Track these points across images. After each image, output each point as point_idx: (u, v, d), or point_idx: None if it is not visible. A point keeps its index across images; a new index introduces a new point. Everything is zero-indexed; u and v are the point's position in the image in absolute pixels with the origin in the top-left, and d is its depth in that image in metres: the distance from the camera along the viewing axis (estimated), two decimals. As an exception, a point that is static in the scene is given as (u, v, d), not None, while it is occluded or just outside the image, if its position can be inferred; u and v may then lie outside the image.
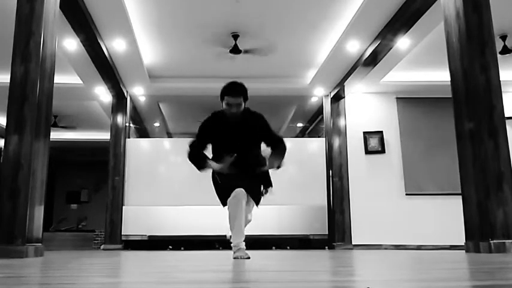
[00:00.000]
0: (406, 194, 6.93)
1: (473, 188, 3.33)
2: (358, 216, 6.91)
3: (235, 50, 5.70)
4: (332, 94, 7.28)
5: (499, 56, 4.68)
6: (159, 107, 8.41)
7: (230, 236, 3.30)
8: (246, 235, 3.29)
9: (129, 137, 7.36)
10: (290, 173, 7.16)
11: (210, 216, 6.40)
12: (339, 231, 6.92)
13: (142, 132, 8.83)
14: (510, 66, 6.18)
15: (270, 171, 3.45)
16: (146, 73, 6.59)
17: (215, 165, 3.28)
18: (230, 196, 3.22)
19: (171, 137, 9.51)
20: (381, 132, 7.16)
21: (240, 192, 3.21)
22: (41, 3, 3.42)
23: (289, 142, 7.90)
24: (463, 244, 3.44)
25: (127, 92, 7.29)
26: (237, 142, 3.33)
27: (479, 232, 3.25)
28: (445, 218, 6.35)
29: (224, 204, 3.34)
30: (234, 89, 3.20)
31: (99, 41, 5.26)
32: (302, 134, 9.36)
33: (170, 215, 6.88)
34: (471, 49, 3.46)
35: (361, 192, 7.01)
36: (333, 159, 7.18)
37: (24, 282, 1.41)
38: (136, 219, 6.85)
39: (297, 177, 7.17)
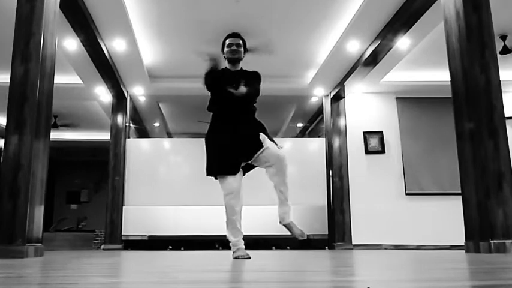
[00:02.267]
0: (406, 194, 6.94)
1: (473, 188, 3.33)
2: (358, 216, 6.91)
3: (235, 50, 5.70)
4: (332, 94, 7.28)
5: (499, 56, 4.68)
6: (159, 107, 8.41)
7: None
8: (246, 235, 3.29)
9: (129, 137, 7.36)
10: (290, 173, 7.14)
11: (210, 216, 6.40)
12: (339, 231, 6.92)
13: (142, 132, 8.83)
14: (510, 66, 6.18)
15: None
16: (146, 73, 6.59)
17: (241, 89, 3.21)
18: (225, 180, 3.16)
19: (171, 137, 9.52)
20: (381, 132, 7.16)
21: (236, 187, 3.15)
22: (41, 3, 3.42)
23: (289, 142, 7.95)
24: (463, 244, 3.44)
25: (127, 92, 7.29)
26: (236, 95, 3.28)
27: (479, 232, 3.25)
28: (445, 218, 6.35)
29: (209, 174, 3.28)
30: (234, 33, 3.55)
31: (99, 41, 5.27)
32: (302, 134, 9.36)
33: (170, 215, 6.88)
34: (471, 49, 3.46)
35: (361, 192, 7.01)
36: (333, 159, 7.18)
37: (24, 282, 1.41)
38: (136, 219, 6.85)
39: (297, 177, 7.17)
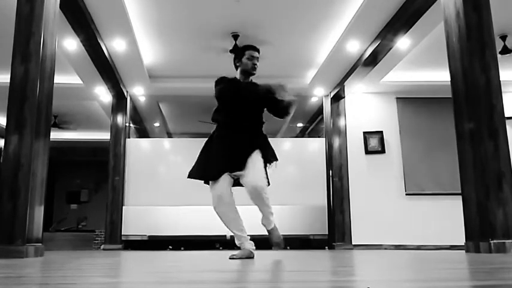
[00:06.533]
0: (406, 194, 6.94)
1: (473, 188, 3.33)
2: (358, 216, 6.91)
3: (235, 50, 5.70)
4: (332, 94, 7.28)
5: (499, 56, 4.68)
6: (159, 107, 8.41)
7: (231, 236, 3.30)
8: (247, 235, 3.29)
9: (129, 137, 7.36)
10: (290, 173, 7.17)
11: (210, 216, 6.37)
12: (339, 231, 6.92)
13: (142, 132, 8.82)
14: (510, 66, 6.18)
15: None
16: (146, 73, 6.59)
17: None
18: (211, 184, 3.18)
19: (171, 137, 9.51)
20: (381, 132, 7.16)
21: (218, 195, 3.14)
22: (41, 3, 3.42)
23: (289, 142, 7.94)
24: (463, 244, 3.44)
25: (127, 92, 7.29)
26: (242, 104, 3.20)
27: (479, 232, 3.25)
28: (445, 218, 6.35)
29: (189, 176, 3.26)
30: (255, 46, 3.37)
31: (99, 41, 5.26)
32: (302, 134, 9.36)
33: (170, 215, 6.88)
34: (471, 49, 3.46)
35: (361, 192, 7.01)
36: (333, 159, 7.18)
37: (24, 282, 1.41)
38: (136, 219, 6.85)
39: (297, 177, 7.17)
